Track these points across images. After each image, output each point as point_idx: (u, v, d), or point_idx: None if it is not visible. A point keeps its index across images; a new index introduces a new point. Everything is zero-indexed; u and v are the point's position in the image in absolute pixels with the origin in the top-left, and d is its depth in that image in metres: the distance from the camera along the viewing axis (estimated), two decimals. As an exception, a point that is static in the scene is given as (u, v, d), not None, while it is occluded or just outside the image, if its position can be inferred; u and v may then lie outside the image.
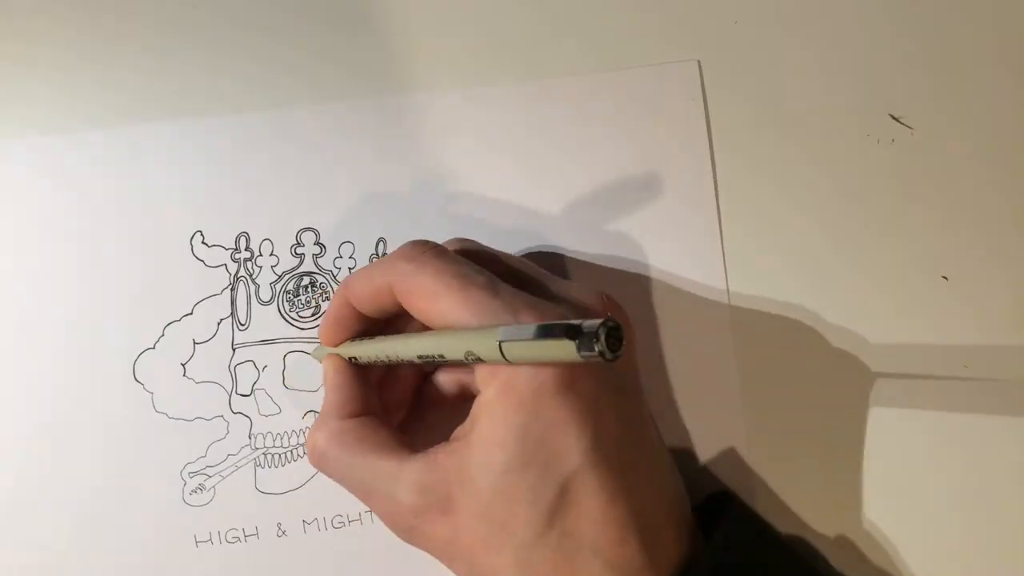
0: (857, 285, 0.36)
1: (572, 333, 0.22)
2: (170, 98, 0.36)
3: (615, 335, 0.22)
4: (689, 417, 0.36)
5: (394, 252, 0.30)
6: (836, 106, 0.36)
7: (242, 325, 0.35)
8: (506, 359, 0.25)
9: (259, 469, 0.35)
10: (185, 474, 0.34)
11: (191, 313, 0.35)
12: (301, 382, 0.35)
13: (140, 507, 0.34)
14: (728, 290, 0.36)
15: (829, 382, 0.35)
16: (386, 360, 0.30)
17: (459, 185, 0.36)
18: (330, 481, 0.31)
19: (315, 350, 0.35)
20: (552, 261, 0.36)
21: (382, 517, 0.29)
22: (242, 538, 0.34)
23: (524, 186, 0.36)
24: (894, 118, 0.35)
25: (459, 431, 0.29)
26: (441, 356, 0.27)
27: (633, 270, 0.36)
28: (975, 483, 0.35)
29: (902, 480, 0.35)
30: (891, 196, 0.36)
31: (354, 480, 0.30)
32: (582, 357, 0.22)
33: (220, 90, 0.36)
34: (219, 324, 0.35)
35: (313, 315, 0.35)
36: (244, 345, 0.35)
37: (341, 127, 0.36)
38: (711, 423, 0.36)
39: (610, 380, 0.28)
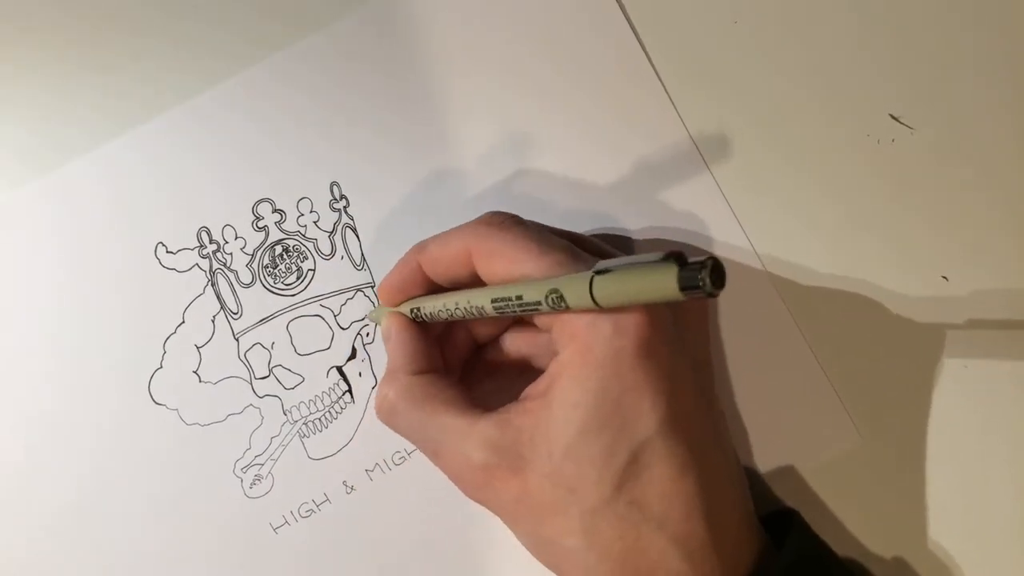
0: (857, 285, 0.35)
1: (677, 263, 0.21)
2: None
3: (719, 271, 0.21)
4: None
5: (473, 220, 0.30)
6: (836, 106, 0.36)
7: (235, 314, 0.35)
8: (594, 300, 0.23)
9: (305, 439, 0.35)
10: (238, 471, 0.34)
11: (183, 321, 0.35)
12: (312, 344, 0.35)
13: (208, 519, 0.34)
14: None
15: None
16: (454, 310, 0.29)
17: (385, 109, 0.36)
18: (377, 424, 0.31)
19: (373, 311, 0.34)
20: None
21: (450, 474, 0.29)
22: (315, 509, 0.34)
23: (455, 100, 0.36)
24: (894, 118, 0.35)
25: (531, 390, 0.28)
26: (519, 298, 0.26)
27: None
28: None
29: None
30: (891, 196, 0.36)
31: (424, 436, 0.29)
32: (683, 292, 0.21)
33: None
34: (214, 321, 0.35)
35: (297, 279, 0.35)
36: (245, 331, 0.35)
37: (247, 98, 0.36)
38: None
39: (687, 352, 0.28)
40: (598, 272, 0.24)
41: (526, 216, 0.30)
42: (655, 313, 0.27)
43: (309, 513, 0.34)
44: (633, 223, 0.35)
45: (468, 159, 0.36)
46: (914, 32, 0.36)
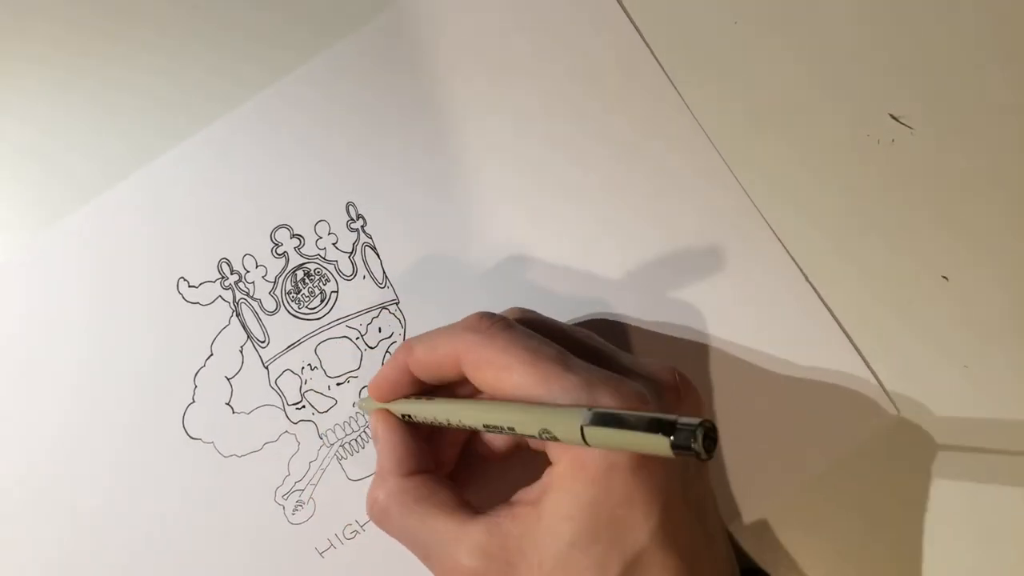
0: (857, 285, 0.35)
1: (667, 428, 0.22)
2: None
3: (711, 435, 0.22)
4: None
5: (459, 322, 0.29)
6: (836, 106, 0.36)
7: (262, 343, 0.35)
8: (586, 442, 0.24)
9: (343, 461, 0.35)
10: (280, 498, 0.34)
11: (212, 354, 0.35)
12: (342, 365, 0.35)
13: (254, 549, 0.34)
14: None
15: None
16: (446, 424, 0.29)
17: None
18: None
19: (362, 401, 0.34)
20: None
21: None
22: (360, 529, 0.34)
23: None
24: (894, 118, 0.35)
25: (523, 495, 0.28)
26: (511, 429, 0.27)
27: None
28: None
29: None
30: (891, 196, 0.35)
31: (414, 539, 0.29)
32: (675, 453, 0.22)
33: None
34: (242, 352, 0.35)
35: (321, 302, 0.35)
36: (274, 359, 0.35)
37: (255, 126, 0.36)
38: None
39: (680, 461, 0.28)
40: (593, 422, 0.24)
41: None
42: None
43: (354, 535, 0.34)
44: (650, 223, 0.36)
45: (482, 165, 0.36)
46: (914, 32, 0.36)
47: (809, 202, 0.36)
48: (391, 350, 0.35)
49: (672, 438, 0.22)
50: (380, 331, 0.35)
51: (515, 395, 0.27)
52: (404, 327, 0.35)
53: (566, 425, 0.25)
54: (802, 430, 0.34)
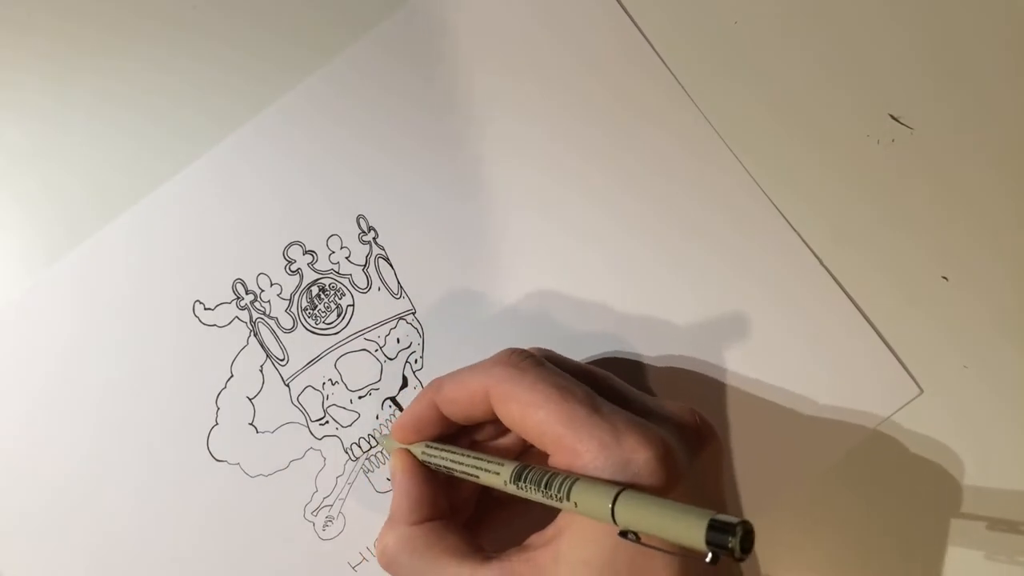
0: (857, 286, 0.35)
1: (707, 524, 0.21)
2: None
3: (749, 536, 0.21)
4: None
5: (489, 358, 0.29)
6: (836, 106, 0.36)
7: (282, 361, 0.35)
8: (614, 521, 0.24)
9: (369, 474, 0.35)
10: (309, 515, 0.34)
11: (232, 375, 0.35)
12: (363, 379, 0.35)
13: (287, 567, 0.34)
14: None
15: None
16: (471, 479, 0.29)
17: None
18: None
19: (384, 440, 0.34)
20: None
21: None
22: (391, 541, 0.34)
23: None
24: (894, 118, 0.35)
25: (536, 539, 0.28)
26: (539, 491, 0.26)
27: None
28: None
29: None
30: (891, 196, 0.36)
31: None
32: (709, 549, 0.21)
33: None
34: (262, 371, 0.35)
35: (338, 317, 0.35)
36: (294, 376, 0.35)
37: (261, 145, 0.36)
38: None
39: (701, 485, 0.27)
40: (623, 504, 0.23)
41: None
42: (672, 476, 0.26)
43: (385, 547, 0.34)
44: (662, 220, 0.36)
45: (493, 169, 0.36)
46: (914, 32, 0.36)
47: (809, 202, 0.36)
48: (410, 360, 0.35)
49: (707, 533, 0.21)
50: (398, 342, 0.35)
51: (540, 432, 0.27)
52: (422, 336, 0.35)
53: (595, 504, 0.24)
54: (802, 430, 0.34)
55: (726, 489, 0.30)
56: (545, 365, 0.29)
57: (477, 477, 0.29)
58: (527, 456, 0.31)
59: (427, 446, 0.31)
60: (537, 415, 0.27)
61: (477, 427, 0.31)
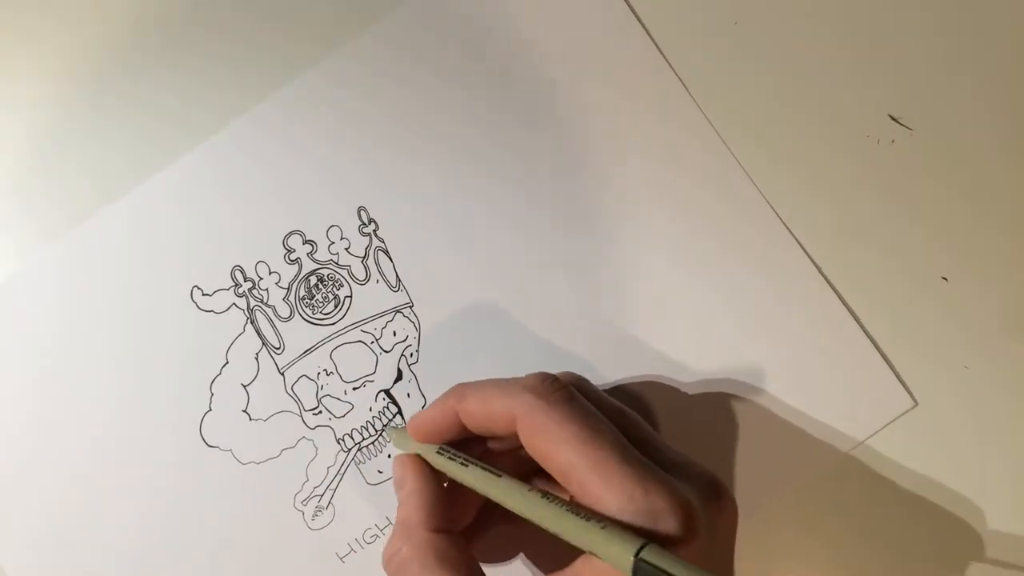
0: (856, 286, 0.35)
1: None
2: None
3: None
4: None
5: (521, 381, 0.28)
6: (836, 106, 0.36)
7: (277, 349, 0.35)
8: (633, 573, 0.24)
9: (361, 466, 0.35)
10: (299, 504, 0.34)
11: (227, 362, 0.35)
12: (358, 370, 0.35)
13: (275, 555, 0.34)
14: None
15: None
16: (485, 493, 0.28)
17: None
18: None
19: (396, 435, 0.32)
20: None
21: None
22: (380, 533, 0.34)
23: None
24: (894, 118, 0.35)
25: None
26: (556, 533, 0.26)
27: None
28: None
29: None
30: (891, 196, 0.35)
31: None
32: None
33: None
34: (257, 359, 0.35)
35: (335, 308, 0.35)
36: (290, 365, 0.35)
37: (262, 134, 0.36)
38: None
39: (715, 552, 0.27)
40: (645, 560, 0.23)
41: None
42: (691, 536, 0.26)
43: (374, 539, 0.34)
44: (655, 219, 0.36)
45: (494, 164, 0.36)
46: (914, 33, 0.36)
47: (809, 202, 0.36)
48: (406, 353, 0.35)
49: None
50: (395, 335, 0.35)
51: (565, 472, 0.26)
52: (419, 330, 0.35)
53: (617, 553, 0.24)
54: (802, 430, 0.34)
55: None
56: (576, 400, 0.28)
57: (501, 502, 0.28)
58: (540, 472, 0.30)
59: (442, 449, 0.30)
60: (563, 454, 0.26)
61: (503, 442, 0.31)
